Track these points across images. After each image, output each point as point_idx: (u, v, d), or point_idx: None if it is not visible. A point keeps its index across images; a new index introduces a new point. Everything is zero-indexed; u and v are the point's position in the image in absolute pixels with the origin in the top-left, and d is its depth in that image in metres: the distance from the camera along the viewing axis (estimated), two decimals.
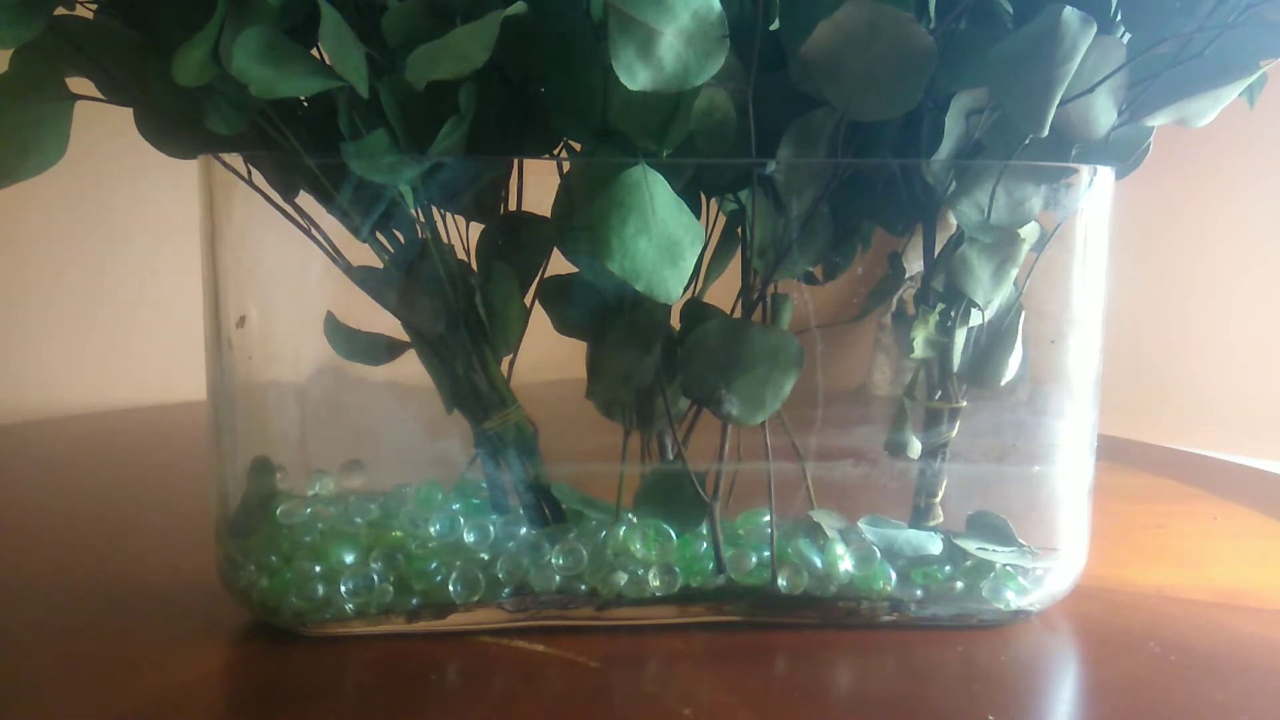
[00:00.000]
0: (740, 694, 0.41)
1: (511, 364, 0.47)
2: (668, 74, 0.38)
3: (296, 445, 0.49)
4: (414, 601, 0.46)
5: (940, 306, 0.47)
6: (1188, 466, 0.88)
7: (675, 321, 0.46)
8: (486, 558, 0.47)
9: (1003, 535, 0.49)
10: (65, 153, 0.43)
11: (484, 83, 0.41)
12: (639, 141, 0.42)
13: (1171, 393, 1.28)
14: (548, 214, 0.45)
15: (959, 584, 0.48)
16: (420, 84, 0.38)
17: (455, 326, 0.45)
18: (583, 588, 0.47)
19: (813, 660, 0.45)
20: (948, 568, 0.48)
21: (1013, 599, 0.48)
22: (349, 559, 0.46)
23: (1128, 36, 0.44)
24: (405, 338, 0.47)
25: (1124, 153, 0.47)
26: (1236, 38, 0.42)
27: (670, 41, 0.37)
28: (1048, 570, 0.49)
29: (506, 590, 0.47)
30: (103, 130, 0.48)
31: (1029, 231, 0.46)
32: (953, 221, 0.47)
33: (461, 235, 0.46)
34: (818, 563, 0.48)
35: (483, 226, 0.46)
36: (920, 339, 0.47)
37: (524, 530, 0.48)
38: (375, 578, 0.45)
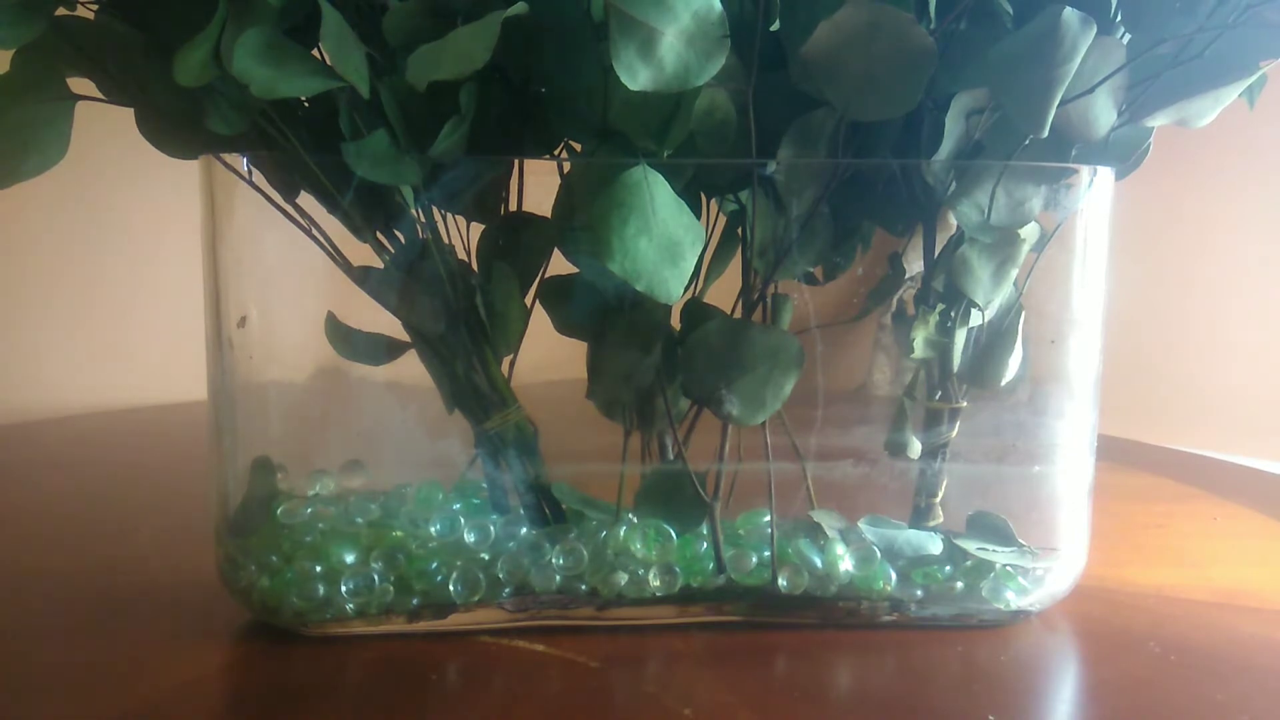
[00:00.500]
0: (740, 694, 0.41)
1: (512, 364, 0.47)
2: (668, 74, 0.38)
3: (297, 445, 0.49)
4: (414, 601, 0.46)
5: (940, 307, 0.47)
6: (1188, 466, 0.88)
7: (675, 322, 0.46)
8: (487, 558, 0.47)
9: (1003, 535, 0.49)
10: (66, 153, 0.43)
11: (485, 83, 0.41)
12: (639, 142, 0.42)
13: (1171, 393, 1.28)
14: (548, 214, 0.45)
15: (959, 584, 0.48)
16: (421, 84, 0.38)
17: (455, 327, 0.45)
18: (583, 588, 0.47)
19: (813, 660, 0.45)
20: (948, 568, 0.48)
21: (1013, 599, 0.48)
22: (349, 559, 0.46)
23: (1128, 37, 0.44)
24: (405, 338, 0.47)
25: (1124, 153, 0.47)
26: (1236, 38, 0.42)
27: (671, 42, 0.37)
28: (1048, 570, 0.49)
29: (507, 590, 0.47)
30: (103, 130, 0.48)
31: (1029, 232, 0.46)
32: (953, 222, 0.47)
33: (462, 235, 0.46)
34: (818, 563, 0.48)
35: (483, 227, 0.46)
36: (920, 339, 0.47)
37: (524, 530, 0.48)
38: (376, 578, 0.46)
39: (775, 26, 0.43)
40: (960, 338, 0.48)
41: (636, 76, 0.37)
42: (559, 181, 0.44)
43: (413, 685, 0.42)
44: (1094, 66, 0.41)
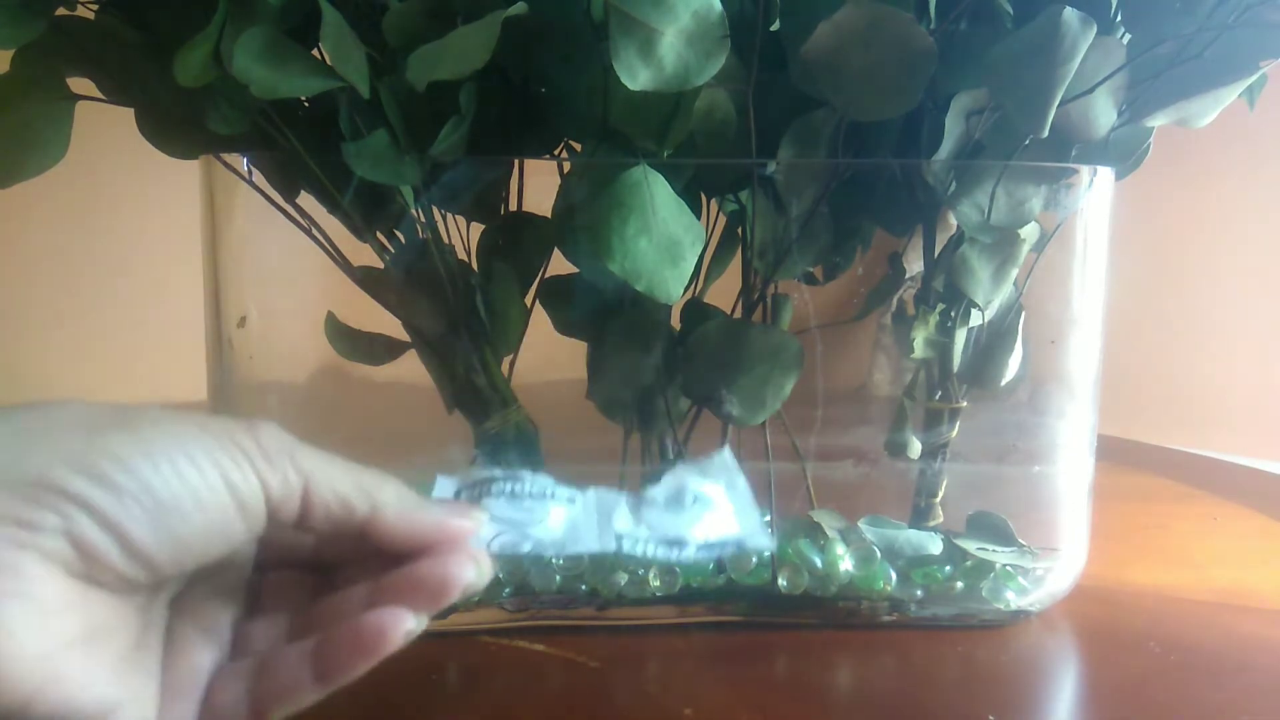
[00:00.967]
0: (740, 694, 0.41)
1: (512, 364, 0.47)
2: (668, 74, 0.38)
3: None
4: None
5: (940, 307, 0.47)
6: (1187, 467, 0.88)
7: (675, 322, 0.46)
8: None
9: (1003, 535, 0.49)
10: (66, 152, 0.43)
11: (485, 83, 0.41)
12: (639, 142, 0.42)
13: (1171, 393, 1.28)
14: (548, 214, 0.45)
15: (959, 584, 0.48)
16: (421, 84, 0.38)
17: (456, 327, 0.45)
18: (583, 588, 0.47)
19: (813, 660, 0.45)
20: (948, 568, 0.48)
21: (1013, 599, 0.48)
22: None
23: (1128, 37, 0.44)
24: (406, 338, 0.47)
25: (1124, 153, 0.47)
26: (1236, 38, 0.42)
27: (671, 42, 0.37)
28: (1048, 570, 0.49)
29: (507, 590, 0.47)
30: (103, 130, 0.48)
31: (1029, 232, 0.46)
32: (953, 222, 0.47)
33: (462, 235, 0.46)
34: (818, 563, 0.48)
35: (483, 227, 0.46)
36: (920, 339, 0.47)
37: None
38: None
39: (775, 26, 0.43)
40: (960, 338, 0.48)
41: (636, 76, 0.37)
42: (559, 181, 0.44)
43: (413, 685, 0.42)
44: (1094, 66, 0.41)
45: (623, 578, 0.47)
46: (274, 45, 0.37)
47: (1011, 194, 0.44)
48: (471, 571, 0.28)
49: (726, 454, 0.35)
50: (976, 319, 0.48)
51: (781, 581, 0.47)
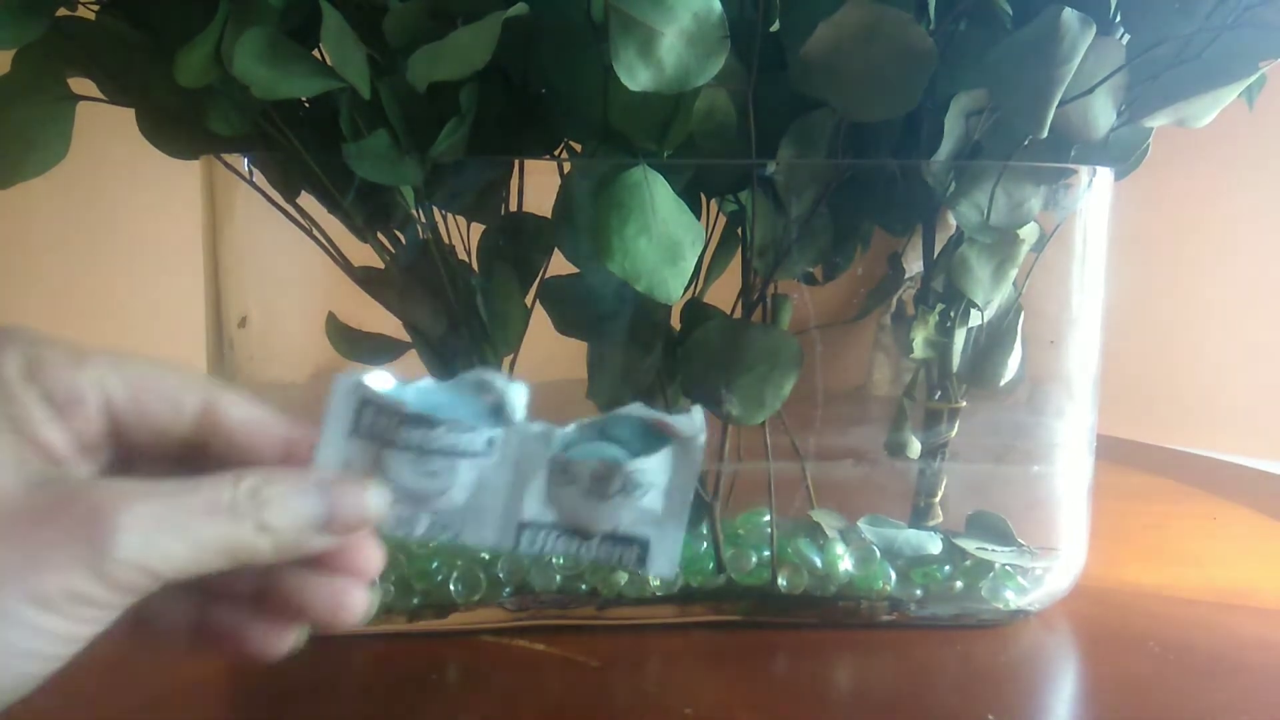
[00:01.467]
0: (740, 693, 0.41)
1: (512, 364, 0.47)
2: (668, 75, 0.38)
3: None
4: (415, 601, 0.46)
5: (940, 307, 0.47)
6: (1187, 466, 0.88)
7: (675, 322, 0.46)
8: (487, 558, 0.47)
9: (1002, 535, 0.49)
10: (67, 153, 0.43)
11: (485, 83, 0.41)
12: (639, 142, 0.43)
13: (1171, 393, 1.28)
14: (548, 214, 0.45)
15: (958, 584, 0.48)
16: (422, 85, 0.38)
17: (456, 327, 0.45)
18: (583, 587, 0.47)
19: (812, 660, 0.45)
20: (947, 567, 0.49)
21: (1012, 599, 0.48)
22: None
23: (1127, 37, 0.44)
24: (406, 338, 0.47)
25: (1123, 153, 0.48)
26: (1235, 39, 0.42)
27: (671, 42, 0.37)
28: (1047, 570, 0.49)
29: (507, 590, 0.47)
30: (103, 130, 0.48)
31: (1028, 232, 0.46)
32: (952, 222, 0.47)
33: (462, 235, 0.46)
34: (818, 562, 0.48)
35: (483, 227, 0.46)
36: (920, 339, 0.47)
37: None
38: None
39: (775, 27, 0.43)
40: (960, 338, 0.48)
41: (636, 77, 0.37)
42: (559, 181, 0.44)
43: (414, 684, 0.42)
44: (1093, 67, 0.41)
45: (623, 577, 0.47)
46: (275, 46, 0.37)
47: (1011, 194, 0.44)
48: (364, 601, 0.27)
49: (696, 418, 0.28)
50: (976, 319, 0.48)
51: (781, 581, 0.47)
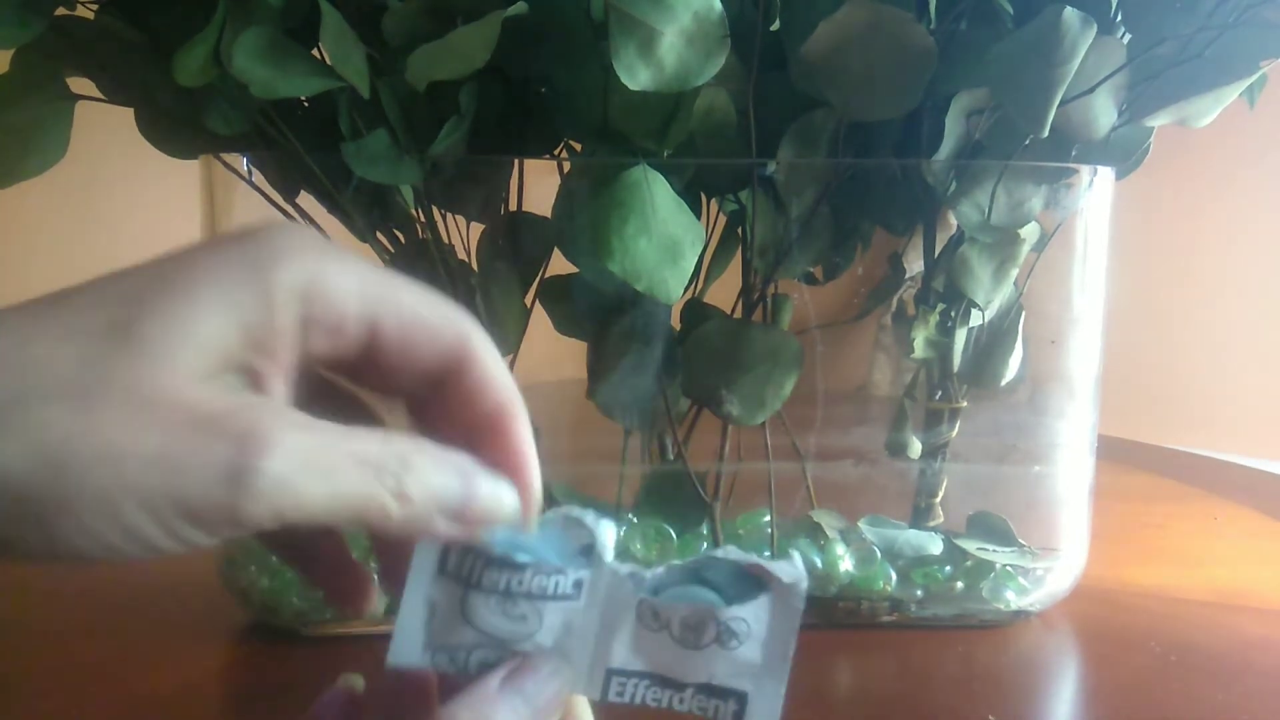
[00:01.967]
0: None
1: (512, 364, 0.47)
2: (668, 74, 0.38)
3: None
4: None
5: (940, 307, 0.47)
6: (1188, 467, 0.88)
7: (675, 322, 0.46)
8: None
9: (1003, 535, 0.49)
10: (66, 152, 0.43)
11: (484, 83, 0.41)
12: (639, 142, 0.42)
13: (1172, 393, 1.28)
14: (548, 214, 0.45)
15: (959, 584, 0.48)
16: (421, 84, 0.38)
17: None
18: None
19: (813, 660, 0.45)
20: (948, 568, 0.48)
21: (1013, 599, 0.48)
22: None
23: (1128, 37, 0.44)
24: None
25: (1124, 153, 0.47)
26: (1237, 38, 0.42)
27: (671, 42, 0.37)
28: (1048, 570, 0.49)
29: None
30: (103, 130, 0.47)
31: (1029, 232, 0.46)
32: (953, 222, 0.47)
33: (462, 235, 0.46)
34: (818, 563, 0.48)
35: (483, 227, 0.46)
36: (920, 339, 0.47)
37: None
38: (376, 578, 0.45)
39: (775, 26, 0.43)
40: (960, 338, 0.48)
41: (637, 76, 0.37)
42: (559, 181, 0.44)
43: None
44: (1094, 66, 0.41)
45: None
46: (274, 45, 0.37)
47: (1012, 194, 0.44)
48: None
49: (798, 565, 0.27)
50: (976, 319, 0.48)
51: None
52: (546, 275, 0.46)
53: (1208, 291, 1.29)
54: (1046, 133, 0.41)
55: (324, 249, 0.24)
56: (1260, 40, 0.42)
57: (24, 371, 0.21)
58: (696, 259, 0.40)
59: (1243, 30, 0.42)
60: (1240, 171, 1.23)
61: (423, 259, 0.44)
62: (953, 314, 0.48)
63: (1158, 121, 0.45)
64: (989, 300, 0.47)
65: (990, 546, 0.48)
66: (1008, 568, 0.48)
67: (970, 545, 0.48)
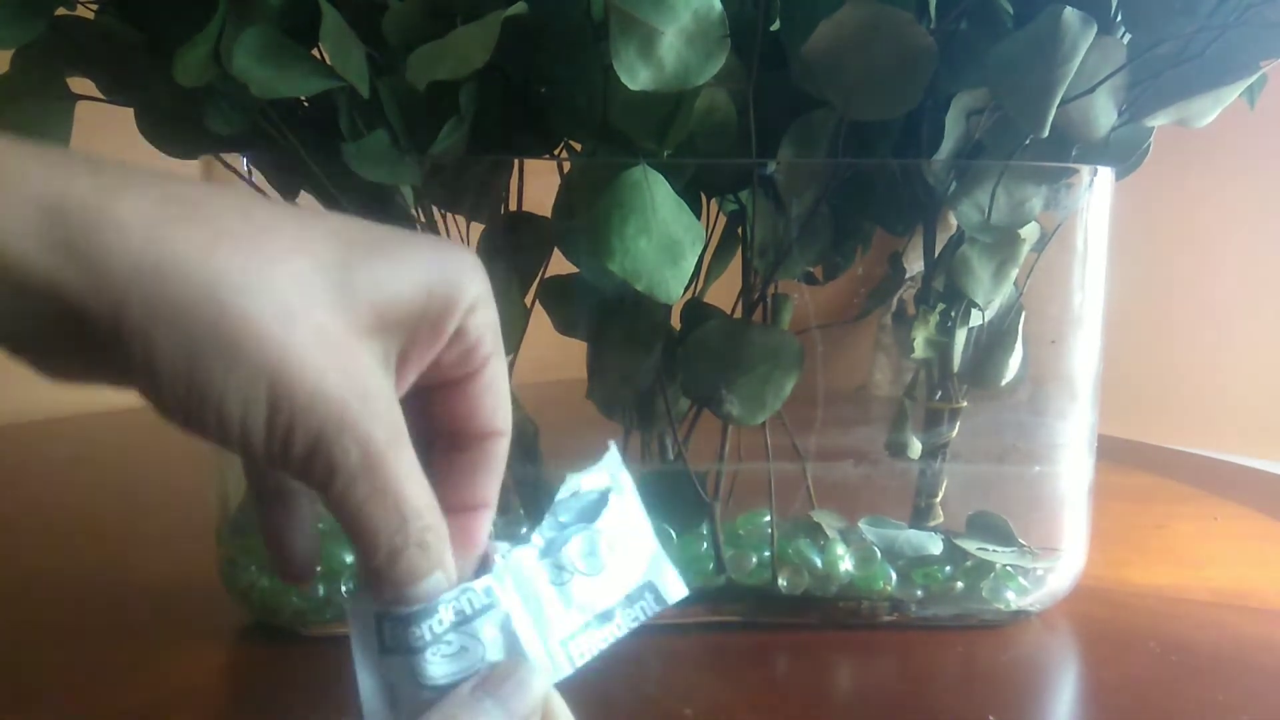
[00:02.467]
0: (740, 694, 0.41)
1: (512, 364, 0.47)
2: (668, 74, 0.38)
3: None
4: None
5: (940, 307, 0.47)
6: (1187, 467, 0.88)
7: (675, 322, 0.46)
8: None
9: (1003, 535, 0.49)
10: None
11: (485, 83, 0.41)
12: (639, 141, 0.42)
13: (1172, 393, 1.28)
14: (548, 214, 0.45)
15: (959, 584, 0.48)
16: (421, 84, 0.38)
17: None
18: None
19: (813, 660, 0.45)
20: (948, 568, 0.48)
21: (1013, 599, 0.48)
22: (349, 559, 0.46)
23: (1128, 37, 0.44)
24: None
25: (1124, 153, 0.47)
26: (1237, 38, 0.42)
27: (671, 41, 0.37)
28: (1048, 570, 0.49)
29: None
30: (103, 130, 0.47)
31: (1029, 232, 0.46)
32: (953, 222, 0.47)
33: (462, 235, 0.46)
34: (818, 563, 0.48)
35: (483, 227, 0.46)
36: (921, 339, 0.47)
37: (524, 529, 0.48)
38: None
39: (775, 26, 0.43)
40: (960, 338, 0.48)
41: (637, 76, 0.37)
42: (559, 181, 0.44)
43: None
44: (1094, 66, 0.41)
45: None
46: (273, 45, 0.37)
47: (1012, 194, 0.44)
48: None
49: (612, 453, 0.32)
50: (977, 319, 0.48)
51: (782, 582, 0.47)
52: (546, 275, 0.46)
53: (1208, 292, 1.29)
54: (1046, 133, 0.41)
55: (487, 281, 0.26)
56: (1260, 40, 0.42)
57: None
58: (696, 259, 0.40)
59: (1242, 30, 0.42)
60: (1240, 172, 1.23)
61: None
62: (953, 314, 0.48)
63: (1158, 122, 0.45)
64: (989, 300, 0.47)
65: (990, 546, 0.48)
66: (1008, 568, 0.48)
67: (970, 545, 0.48)
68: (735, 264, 0.47)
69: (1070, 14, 0.39)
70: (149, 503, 0.73)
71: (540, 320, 0.46)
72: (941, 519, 0.50)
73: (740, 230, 0.47)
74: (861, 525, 0.49)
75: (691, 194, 0.43)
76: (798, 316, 0.47)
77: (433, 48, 0.37)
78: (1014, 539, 0.49)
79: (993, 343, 0.49)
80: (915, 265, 0.48)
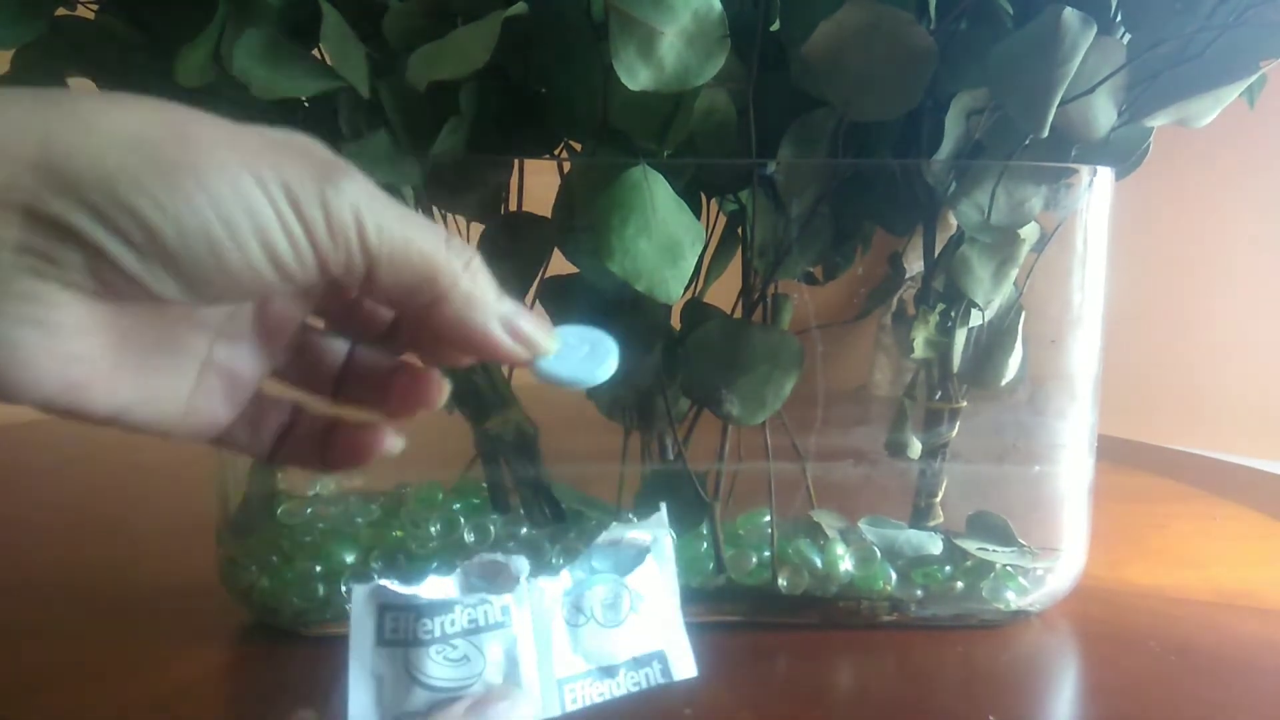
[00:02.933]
0: (741, 694, 0.41)
1: (511, 366, 0.47)
2: (668, 74, 0.38)
3: None
4: None
5: (940, 307, 0.47)
6: (1188, 467, 0.88)
7: (675, 322, 0.46)
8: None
9: (1003, 535, 0.49)
10: None
11: (485, 83, 0.41)
12: (639, 141, 0.42)
13: (1171, 393, 1.28)
14: (548, 214, 0.45)
15: (959, 584, 0.48)
16: (421, 84, 0.38)
17: None
18: None
19: (813, 660, 0.45)
20: (948, 568, 0.48)
21: (1013, 599, 0.48)
22: (349, 559, 0.46)
23: (1128, 37, 0.44)
24: None
25: (1124, 153, 0.47)
26: (1236, 38, 0.42)
27: (671, 41, 0.37)
28: (1048, 570, 0.49)
29: None
30: None
31: (1029, 232, 0.46)
32: (953, 222, 0.47)
33: (461, 235, 0.46)
34: (818, 563, 0.48)
35: (483, 227, 0.46)
36: (921, 339, 0.47)
37: (524, 530, 0.48)
38: (376, 578, 0.45)
39: (775, 26, 0.43)
40: (960, 338, 0.48)
41: (636, 76, 0.37)
42: (559, 181, 0.44)
43: None
44: (1094, 66, 0.41)
45: None
46: (273, 45, 0.37)
47: (1012, 194, 0.44)
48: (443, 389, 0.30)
49: (661, 516, 0.32)
50: (977, 319, 0.48)
51: (781, 582, 0.47)
52: (546, 275, 0.46)
53: (1208, 291, 1.29)
54: (1046, 133, 0.41)
55: (367, 179, 0.26)
56: (1260, 40, 0.42)
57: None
58: (696, 259, 0.40)
59: (1242, 30, 0.42)
60: (1240, 172, 1.23)
61: None
62: (953, 314, 0.48)
63: (1157, 122, 0.45)
64: (989, 300, 0.47)
65: (990, 546, 0.48)
66: (1008, 568, 0.48)
67: (970, 545, 0.48)
68: (735, 264, 0.47)
69: (1070, 14, 0.39)
70: (149, 503, 0.73)
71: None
72: (941, 519, 0.50)
73: (740, 230, 0.47)
74: (861, 525, 0.49)
75: (691, 194, 0.43)
76: (798, 316, 0.47)
77: (433, 48, 0.37)
78: (1014, 539, 0.49)
79: (992, 343, 0.49)
80: (915, 265, 0.48)
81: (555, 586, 0.30)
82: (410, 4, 0.39)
